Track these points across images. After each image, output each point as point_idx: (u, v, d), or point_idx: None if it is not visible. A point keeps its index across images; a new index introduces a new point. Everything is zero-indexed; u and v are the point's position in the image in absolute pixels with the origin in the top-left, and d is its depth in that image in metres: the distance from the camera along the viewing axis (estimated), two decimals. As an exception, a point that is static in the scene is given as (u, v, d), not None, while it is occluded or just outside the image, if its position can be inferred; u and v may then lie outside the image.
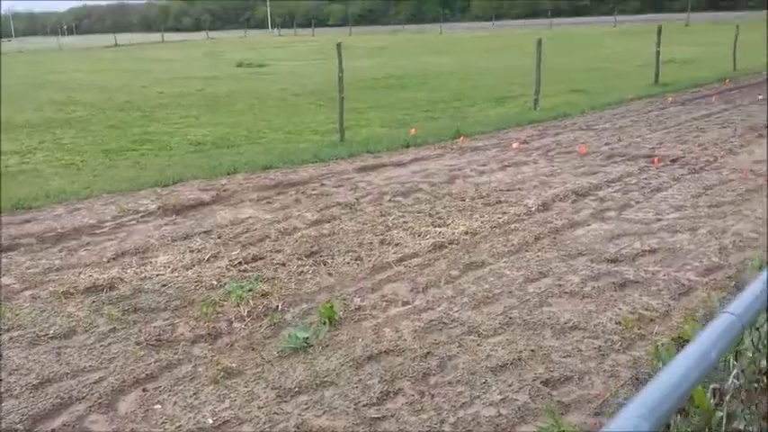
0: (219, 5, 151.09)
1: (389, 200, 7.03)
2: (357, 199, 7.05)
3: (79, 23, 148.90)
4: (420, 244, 5.55)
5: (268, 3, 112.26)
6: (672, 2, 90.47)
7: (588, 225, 6.13)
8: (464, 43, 49.07)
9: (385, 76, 26.01)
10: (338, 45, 11.25)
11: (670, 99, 15.46)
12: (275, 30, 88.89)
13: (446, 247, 5.51)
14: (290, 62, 37.83)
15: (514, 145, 9.93)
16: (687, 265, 4.99)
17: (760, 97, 14.76)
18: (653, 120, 12.65)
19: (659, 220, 6.25)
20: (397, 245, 5.56)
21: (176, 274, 4.97)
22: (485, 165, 8.81)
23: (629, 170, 8.26)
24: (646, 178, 7.85)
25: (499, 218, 6.31)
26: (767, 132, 10.57)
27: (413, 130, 11.60)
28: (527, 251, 5.41)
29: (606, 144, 10.20)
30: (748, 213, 6.33)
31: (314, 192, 7.45)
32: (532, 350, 3.71)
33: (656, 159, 8.56)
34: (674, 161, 8.72)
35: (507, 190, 7.40)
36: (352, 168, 8.71)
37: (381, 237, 5.76)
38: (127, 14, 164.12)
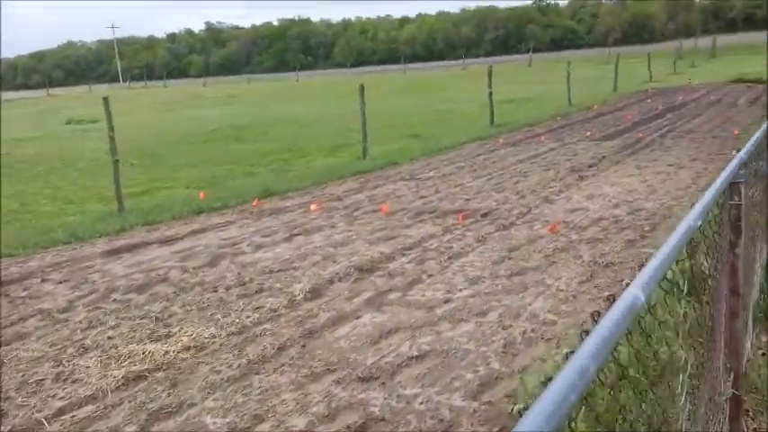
0: (71, 61, 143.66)
1: (115, 299, 5.38)
2: (71, 302, 5.35)
3: None
4: (109, 377, 3.95)
5: (117, 56, 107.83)
6: (519, 44, 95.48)
7: (358, 318, 4.79)
8: (318, 90, 48.39)
9: (224, 127, 24.36)
10: (104, 99, 9.50)
11: (501, 140, 14.91)
12: (126, 83, 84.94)
13: (146, 378, 3.94)
14: (128, 116, 35.15)
15: (312, 206, 8.58)
16: (457, 380, 3.72)
17: (587, 134, 14.47)
18: (479, 165, 11.84)
19: (447, 301, 5.02)
20: (74, 381, 3.93)
21: None
22: (272, 234, 7.37)
23: (433, 231, 7.10)
24: (448, 240, 6.70)
25: (247, 317, 4.84)
26: (590, 173, 9.95)
27: (201, 194, 10.04)
28: (257, 373, 3.96)
29: (421, 198, 9.10)
30: (551, 283, 5.26)
31: (23, 293, 5.67)
32: None
33: (460, 216, 7.47)
34: (484, 215, 7.69)
35: (279, 270, 5.97)
36: (101, 251, 6.98)
37: (61, 368, 4.11)
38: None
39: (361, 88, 14.26)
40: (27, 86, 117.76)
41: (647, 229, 6.67)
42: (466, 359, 3.98)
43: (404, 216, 7.97)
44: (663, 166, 10.20)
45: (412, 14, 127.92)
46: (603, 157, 11.36)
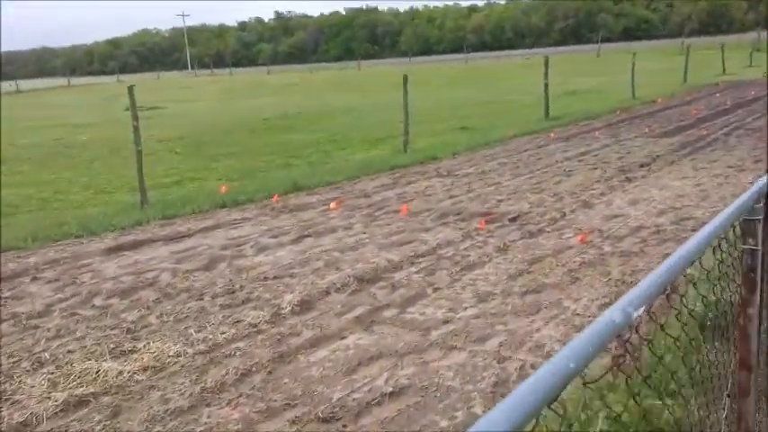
0: (146, 48, 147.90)
1: (94, 305, 5.04)
2: (49, 306, 5.04)
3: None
4: (50, 400, 3.57)
5: (186, 44, 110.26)
6: (591, 34, 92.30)
7: (342, 339, 4.28)
8: (378, 79, 47.86)
9: (277, 116, 24.24)
10: (130, 88, 9.24)
11: (553, 135, 14.07)
12: (195, 70, 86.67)
13: (88, 403, 3.55)
14: (189, 103, 35.73)
15: (332, 204, 8.10)
16: (429, 429, 3.17)
17: (646, 130, 13.48)
18: (523, 161, 11.12)
19: (447, 321, 4.46)
20: (13, 404, 3.57)
21: None
22: (281, 235, 6.94)
23: (453, 236, 6.51)
24: (467, 248, 6.10)
25: (222, 333, 4.41)
26: (641, 174, 9.12)
27: (224, 187, 9.70)
28: (209, 405, 3.51)
29: (451, 197, 8.50)
30: (567, 305, 4.61)
31: (7, 293, 5.41)
32: None
33: (483, 221, 6.83)
34: (513, 219, 7.04)
35: (274, 277, 5.52)
36: (104, 248, 6.69)
37: (7, 385, 3.77)
38: (51, 59, 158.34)
39: (405, 79, 13.68)
40: (103, 72, 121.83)
41: (691, 242, 5.89)
42: (446, 400, 3.42)
43: (426, 218, 7.40)
44: (722, 167, 9.25)
45: (481, 3, 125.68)
46: (658, 155, 10.46)
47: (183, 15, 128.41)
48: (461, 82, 39.09)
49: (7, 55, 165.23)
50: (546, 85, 17.73)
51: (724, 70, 28.80)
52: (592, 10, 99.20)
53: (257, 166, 13.05)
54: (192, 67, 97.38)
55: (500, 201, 8.08)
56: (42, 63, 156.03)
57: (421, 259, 5.83)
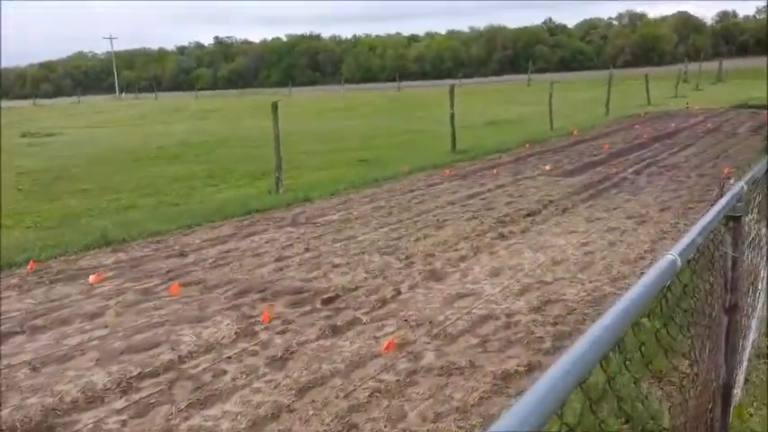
0: (80, 71, 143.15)
1: None
2: None
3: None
4: None
5: (114, 68, 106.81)
6: (527, 64, 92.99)
7: None
8: (304, 105, 46.14)
9: (175, 144, 22.15)
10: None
11: (448, 172, 12.38)
12: (122, 94, 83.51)
13: None
14: (92, 129, 33.14)
15: (92, 278, 6.05)
16: None
17: (549, 168, 11.89)
18: (401, 205, 9.34)
19: None
20: None
21: None
22: (-2, 325, 4.86)
23: (225, 333, 4.56)
24: (232, 356, 4.17)
25: None
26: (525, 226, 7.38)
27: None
28: None
29: (279, 259, 6.58)
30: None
31: None
32: None
33: (266, 312, 4.89)
34: (329, 301, 5.14)
35: None
36: None
37: None
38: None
39: (274, 106, 11.84)
40: (36, 96, 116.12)
41: (546, 345, 4.10)
42: None
43: (220, 296, 5.44)
44: (622, 218, 7.62)
45: (421, 33, 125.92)
46: (552, 200, 8.79)
47: (110, 38, 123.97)
48: (387, 110, 37.61)
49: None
50: (452, 116, 16.18)
51: (648, 101, 28.00)
52: (529, 41, 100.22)
53: (93, 208, 10.95)
54: (123, 91, 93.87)
55: (334, 266, 6.20)
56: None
57: (146, 382, 3.85)
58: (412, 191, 10.72)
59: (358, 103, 45.96)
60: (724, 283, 2.07)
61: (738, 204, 2.09)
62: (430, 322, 4.57)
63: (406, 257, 6.35)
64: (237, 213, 9.63)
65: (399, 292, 5.27)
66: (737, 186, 2.14)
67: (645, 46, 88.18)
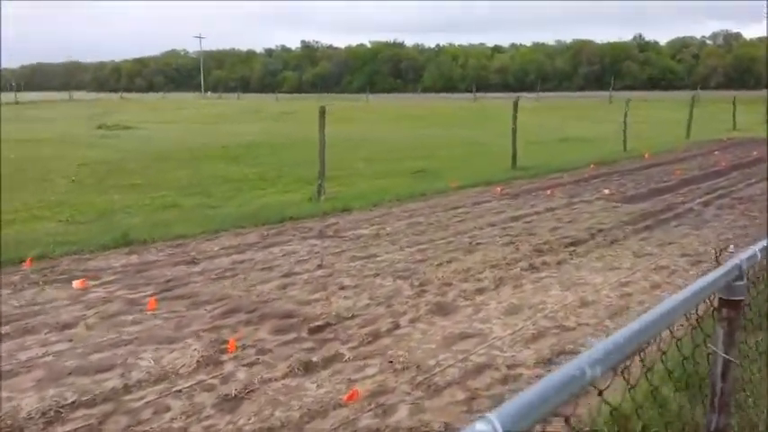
0: (171, 68, 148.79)
1: None
2: None
3: (29, 81, 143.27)
4: None
5: (201, 67, 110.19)
6: (615, 80, 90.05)
7: None
8: (381, 113, 45.99)
9: (240, 145, 22.28)
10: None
11: (500, 190, 11.66)
12: (207, 93, 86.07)
13: None
14: (167, 125, 33.94)
15: (76, 284, 5.72)
16: None
17: (609, 192, 10.99)
18: (438, 223, 8.76)
19: None
20: None
21: None
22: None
23: (185, 361, 4.12)
24: (183, 389, 3.70)
25: None
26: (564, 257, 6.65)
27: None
28: None
29: (287, 275, 6.13)
30: None
31: None
32: None
33: (232, 342, 4.38)
34: (317, 330, 4.62)
35: None
36: None
37: None
38: (79, 73, 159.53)
39: (322, 111, 11.42)
40: (129, 90, 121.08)
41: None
42: None
43: (206, 314, 5.02)
44: (675, 255, 6.77)
45: (506, 44, 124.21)
46: (602, 229, 7.98)
47: (199, 38, 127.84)
48: (461, 120, 36.90)
49: (39, 67, 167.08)
50: (514, 131, 15.39)
51: (734, 125, 26.19)
52: (617, 57, 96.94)
53: (133, 205, 10.86)
54: (209, 90, 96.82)
55: (341, 288, 5.68)
56: (70, 77, 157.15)
57: (77, 413, 3.44)
58: (456, 208, 10.10)
59: (433, 112, 45.47)
60: (711, 397, 1.43)
61: (737, 284, 1.44)
62: (418, 367, 3.98)
63: (420, 284, 5.76)
64: (271, 220, 9.29)
65: (398, 326, 4.70)
66: (738, 257, 1.49)
67: (740, 67, 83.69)
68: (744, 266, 1.49)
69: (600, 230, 7.90)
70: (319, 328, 4.64)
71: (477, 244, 7.40)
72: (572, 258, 6.64)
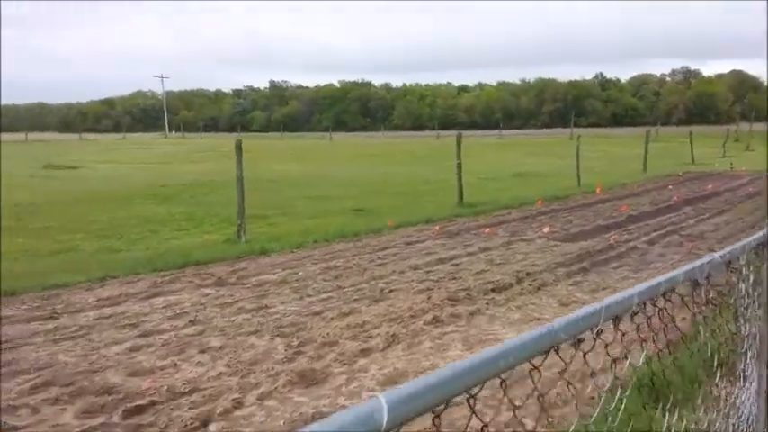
0: (139, 109, 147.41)
1: None
2: None
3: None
4: None
5: (165, 107, 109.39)
6: (579, 118, 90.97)
7: None
8: (341, 150, 45.34)
9: (181, 184, 21.27)
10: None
11: (437, 229, 10.82)
12: (172, 132, 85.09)
13: None
14: (115, 165, 32.75)
15: None
16: None
17: (549, 230, 10.19)
18: (357, 267, 7.87)
19: None
20: None
21: None
22: None
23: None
24: None
25: None
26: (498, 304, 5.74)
27: None
28: None
29: (143, 336, 5.12)
30: None
31: None
32: None
33: None
34: (127, 415, 3.62)
35: None
36: None
37: None
38: (46, 114, 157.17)
39: (238, 146, 10.57)
40: (96, 130, 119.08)
41: None
42: None
43: (7, 388, 3.99)
44: (607, 304, 5.91)
45: (471, 84, 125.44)
46: (531, 272, 7.12)
47: (161, 78, 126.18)
48: (422, 158, 36.28)
49: (5, 108, 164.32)
50: (459, 166, 14.65)
51: (693, 160, 25.91)
52: (580, 95, 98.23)
53: (31, 249, 9.82)
54: (174, 131, 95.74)
55: (201, 351, 4.69)
56: (36, 119, 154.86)
57: None
58: (385, 248, 9.22)
59: (396, 150, 44.85)
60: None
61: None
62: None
63: (300, 344, 4.80)
64: (171, 265, 8.30)
65: (240, 404, 3.72)
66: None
67: (700, 104, 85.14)
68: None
69: (528, 274, 7.03)
70: (138, 410, 3.65)
71: (390, 291, 6.48)
72: (488, 308, 5.74)
